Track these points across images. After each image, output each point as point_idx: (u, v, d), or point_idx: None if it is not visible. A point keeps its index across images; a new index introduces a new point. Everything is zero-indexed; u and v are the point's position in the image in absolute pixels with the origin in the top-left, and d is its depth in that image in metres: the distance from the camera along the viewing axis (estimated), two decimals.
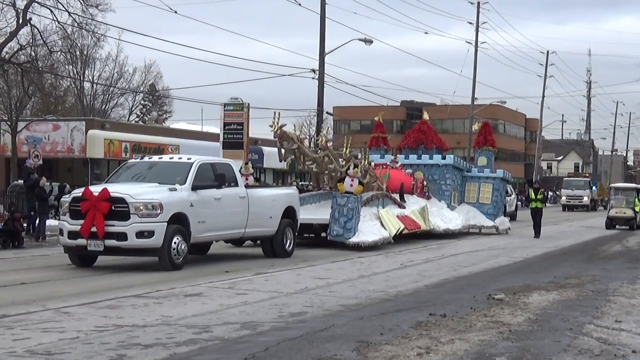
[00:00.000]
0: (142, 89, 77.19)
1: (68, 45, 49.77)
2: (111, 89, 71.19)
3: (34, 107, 58.02)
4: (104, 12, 46.95)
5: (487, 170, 35.36)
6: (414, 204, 30.07)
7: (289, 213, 21.92)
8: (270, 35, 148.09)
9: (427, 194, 32.34)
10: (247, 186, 21.39)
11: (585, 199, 71.67)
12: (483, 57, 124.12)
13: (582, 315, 12.55)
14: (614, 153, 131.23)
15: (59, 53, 49.65)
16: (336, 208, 24.94)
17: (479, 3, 70.04)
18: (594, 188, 74.67)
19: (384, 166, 32.36)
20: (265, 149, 59.57)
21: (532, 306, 13.30)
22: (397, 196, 29.63)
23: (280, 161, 26.76)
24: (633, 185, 47.57)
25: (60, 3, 43.64)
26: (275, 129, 24.87)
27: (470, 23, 70.74)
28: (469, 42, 70.47)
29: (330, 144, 27.30)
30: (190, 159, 19.51)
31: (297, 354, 9.31)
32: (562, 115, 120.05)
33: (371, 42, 46.71)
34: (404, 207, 29.18)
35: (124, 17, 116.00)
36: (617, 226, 40.21)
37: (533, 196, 33.41)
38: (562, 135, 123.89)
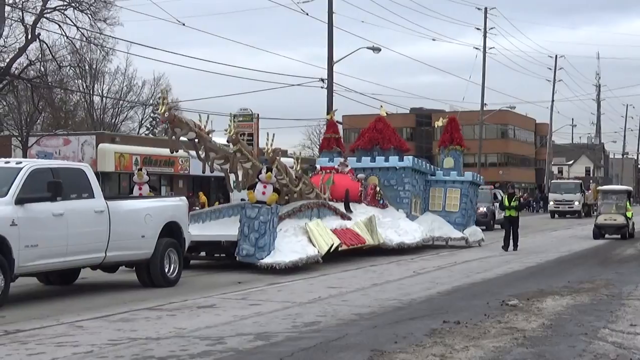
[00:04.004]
0: (151, 101, 77.37)
1: (77, 59, 50.05)
2: (121, 102, 71.42)
3: (45, 122, 58.21)
4: (112, 26, 47.25)
5: (454, 173, 30.47)
6: (361, 214, 25.65)
7: (172, 231, 17.42)
8: (282, 46, 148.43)
9: (381, 202, 27.86)
10: (109, 198, 16.76)
11: (577, 204, 63.44)
12: (492, 62, 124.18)
13: (597, 319, 12.50)
14: (624, 156, 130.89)
15: (68, 68, 49.93)
16: (245, 222, 20.25)
17: (486, 9, 70.17)
18: (588, 192, 66.83)
19: (329, 170, 28.07)
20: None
21: (546, 311, 13.26)
22: (341, 205, 25.65)
23: (171, 152, 20.57)
24: (624, 187, 41.82)
25: (69, 18, 44.00)
26: (163, 110, 19.08)
27: (478, 29, 70.85)
28: (477, 48, 70.62)
29: (242, 136, 21.71)
30: (20, 163, 15.14)
31: None
32: (572, 119, 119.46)
33: (379, 50, 46.79)
34: (349, 218, 25.02)
35: (133, 30, 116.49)
36: (606, 235, 34.82)
37: (507, 203, 28.99)
38: (572, 139, 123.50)
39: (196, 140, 20.16)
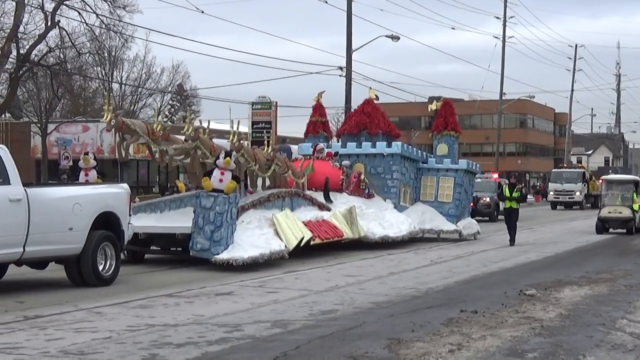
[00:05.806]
0: (170, 89, 77.46)
1: (96, 46, 50.13)
2: (139, 89, 71.53)
3: (64, 109, 58.44)
4: (132, 13, 47.30)
5: (447, 160, 28.21)
6: (343, 205, 23.61)
7: (109, 222, 15.20)
8: (300, 35, 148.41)
9: (367, 191, 25.79)
10: (29, 184, 14.79)
11: (578, 194, 59.70)
12: (511, 52, 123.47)
13: (615, 310, 12.47)
14: None
15: (88, 55, 50.01)
16: (200, 212, 18.00)
17: None
18: (599, 182, 59.39)
19: (309, 157, 26.19)
20: (295, 147, 59.44)
21: (563, 301, 13.23)
22: (320, 195, 23.81)
23: (120, 162, 18.55)
24: (631, 177, 37.61)
25: (88, 5, 44.02)
26: (109, 118, 17.67)
27: (498, 18, 70.57)
28: (496, 37, 70.34)
29: (201, 132, 20.32)
30: None
31: (329, 352, 9.31)
32: (592, 109, 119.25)
33: (398, 38, 46.66)
34: (329, 209, 23.04)
35: (152, 18, 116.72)
36: (610, 229, 32.21)
37: (507, 194, 26.65)
38: (591, 129, 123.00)
39: (149, 145, 19.09)
